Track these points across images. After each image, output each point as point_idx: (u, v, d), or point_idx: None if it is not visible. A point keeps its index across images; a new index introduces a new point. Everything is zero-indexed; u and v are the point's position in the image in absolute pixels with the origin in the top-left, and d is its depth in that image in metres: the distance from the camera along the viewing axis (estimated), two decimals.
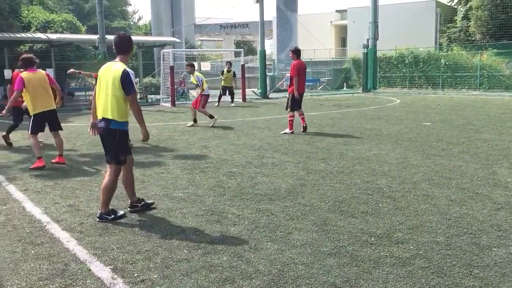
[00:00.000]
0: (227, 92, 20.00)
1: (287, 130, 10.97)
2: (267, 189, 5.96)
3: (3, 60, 22.95)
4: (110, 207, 4.97)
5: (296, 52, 11.20)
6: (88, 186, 6.29)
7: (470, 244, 4.08)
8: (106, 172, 5.10)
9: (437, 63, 28.06)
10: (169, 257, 3.88)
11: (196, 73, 13.09)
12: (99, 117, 4.99)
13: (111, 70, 4.89)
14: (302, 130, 10.99)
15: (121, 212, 5.03)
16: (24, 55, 8.12)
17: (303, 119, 11.21)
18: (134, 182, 5.34)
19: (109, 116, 4.88)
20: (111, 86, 4.85)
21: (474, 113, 14.98)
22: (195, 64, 21.91)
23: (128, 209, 5.23)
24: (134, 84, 4.97)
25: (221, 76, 20.53)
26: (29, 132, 7.82)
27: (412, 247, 4.03)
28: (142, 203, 5.26)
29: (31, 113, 7.78)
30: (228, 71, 20.06)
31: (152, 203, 5.36)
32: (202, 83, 12.68)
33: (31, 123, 7.79)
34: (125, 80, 4.82)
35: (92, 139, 10.46)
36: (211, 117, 12.37)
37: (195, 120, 12.56)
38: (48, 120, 7.96)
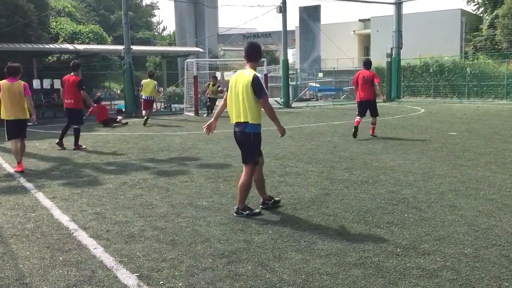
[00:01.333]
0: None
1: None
2: (290, 198, 5.95)
3: (32, 70, 23.55)
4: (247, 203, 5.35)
5: (363, 63, 12.26)
6: (114, 194, 6.38)
7: (499, 256, 4.00)
8: (242, 172, 5.44)
9: (463, 72, 27.67)
10: (194, 265, 3.91)
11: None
12: (233, 122, 5.38)
13: (243, 77, 5.24)
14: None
15: (256, 210, 5.35)
16: (10, 64, 8.47)
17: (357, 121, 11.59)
18: (264, 181, 5.63)
19: (244, 120, 5.23)
20: (244, 92, 5.17)
21: (501, 122, 14.69)
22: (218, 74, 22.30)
23: (261, 206, 5.53)
24: (264, 87, 5.29)
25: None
26: (7, 140, 8.43)
27: (439, 258, 3.97)
28: (272, 200, 5.61)
29: (2, 118, 8.32)
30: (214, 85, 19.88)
31: (279, 201, 5.71)
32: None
33: (5, 129, 8.35)
34: (255, 85, 5.12)
35: (118, 148, 10.64)
36: None
37: None
38: (18, 128, 8.34)
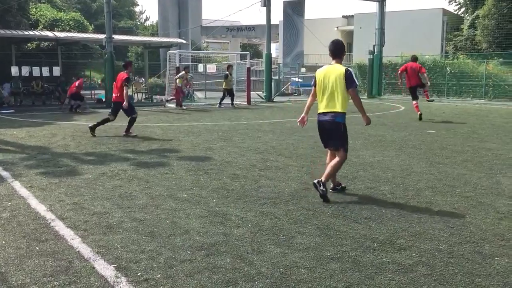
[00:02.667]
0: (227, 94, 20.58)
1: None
2: (270, 192, 5.98)
3: (11, 57, 23.09)
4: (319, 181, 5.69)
5: (412, 58, 15.27)
6: (92, 184, 6.33)
7: (473, 252, 4.09)
8: (327, 154, 6.15)
9: (443, 71, 28.03)
10: (172, 257, 3.91)
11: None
12: (322, 111, 5.84)
13: (334, 71, 5.73)
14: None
15: (339, 187, 6.06)
16: None
17: (417, 107, 14.82)
18: (338, 168, 5.97)
19: (336, 110, 5.72)
20: (338, 83, 5.67)
21: (479, 122, 14.96)
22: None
23: (330, 190, 5.94)
24: (357, 80, 5.84)
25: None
26: None
27: (415, 254, 4.04)
28: (340, 186, 6.12)
29: None
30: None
31: (345, 187, 6.17)
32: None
33: None
34: (348, 77, 5.65)
35: (98, 138, 10.53)
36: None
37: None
38: None
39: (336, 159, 5.84)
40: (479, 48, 32.17)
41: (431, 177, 6.91)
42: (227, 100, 20.55)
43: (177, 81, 19.38)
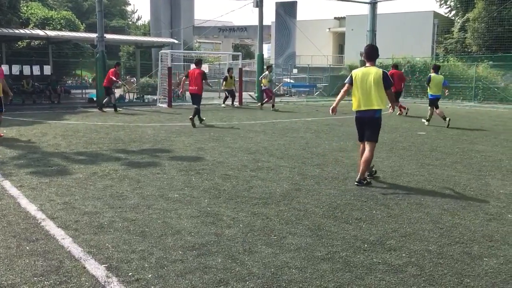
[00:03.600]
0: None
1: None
2: (262, 193, 5.99)
3: (1, 55, 22.89)
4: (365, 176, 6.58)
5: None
6: (83, 184, 6.30)
7: (462, 253, 4.13)
8: (362, 148, 6.74)
9: None
10: (163, 257, 3.91)
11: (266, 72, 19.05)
12: (359, 108, 6.55)
13: (372, 72, 6.48)
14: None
15: (368, 180, 6.61)
16: None
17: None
18: (370, 161, 6.63)
19: (376, 107, 6.45)
20: (375, 84, 6.41)
21: (469, 124, 15.10)
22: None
23: (355, 183, 6.51)
24: (391, 80, 6.65)
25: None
26: None
27: (405, 254, 4.08)
28: (366, 181, 6.59)
29: None
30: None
31: (370, 182, 6.61)
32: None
33: None
34: (386, 78, 6.45)
35: (89, 137, 10.49)
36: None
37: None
38: None
39: (366, 154, 6.54)
40: (469, 50, 32.44)
41: (421, 179, 6.97)
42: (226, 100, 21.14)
43: (263, 81, 19.70)
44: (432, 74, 14.41)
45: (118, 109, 17.64)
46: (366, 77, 6.48)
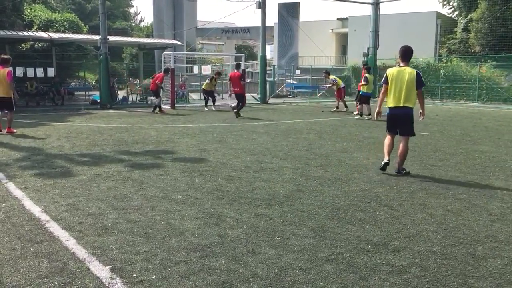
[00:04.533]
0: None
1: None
2: (265, 194, 6.00)
3: None
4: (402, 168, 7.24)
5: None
6: (87, 186, 6.32)
7: (466, 254, 4.13)
8: (400, 142, 7.30)
9: (436, 73, 28.19)
10: (167, 259, 3.92)
11: (331, 76, 18.90)
12: (393, 105, 7.12)
13: (406, 73, 7.02)
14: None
15: (408, 170, 7.25)
16: (3, 56, 11.91)
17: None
18: (407, 153, 7.28)
19: (408, 105, 7.03)
20: (409, 83, 6.95)
21: (472, 124, 15.06)
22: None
23: (395, 172, 7.20)
24: (423, 80, 7.16)
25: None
26: None
27: (408, 255, 4.07)
28: (405, 171, 7.23)
29: None
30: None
31: (409, 172, 7.25)
32: (336, 81, 18.31)
33: None
34: (419, 79, 6.99)
35: (92, 139, 10.52)
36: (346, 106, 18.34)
37: (337, 107, 19.05)
38: (2, 103, 11.71)
39: (402, 147, 7.18)
40: (472, 51, 32.37)
41: (425, 179, 6.96)
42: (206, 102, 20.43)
43: (337, 81, 19.65)
44: (367, 75, 16.26)
45: (156, 111, 17.66)
46: (401, 76, 7.03)
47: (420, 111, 7.39)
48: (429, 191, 6.26)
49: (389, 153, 7.35)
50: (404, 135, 7.25)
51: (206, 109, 19.72)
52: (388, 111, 7.33)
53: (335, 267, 3.80)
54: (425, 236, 4.56)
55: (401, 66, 7.15)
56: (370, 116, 15.79)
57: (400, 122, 7.22)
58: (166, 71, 19.06)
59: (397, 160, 7.27)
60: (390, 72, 7.20)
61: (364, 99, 16.37)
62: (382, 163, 7.31)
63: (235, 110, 16.18)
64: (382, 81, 7.37)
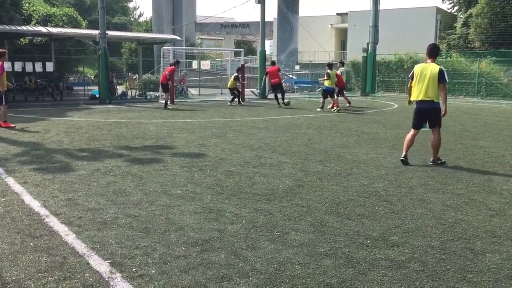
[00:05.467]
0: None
1: None
2: (265, 189, 6.00)
3: None
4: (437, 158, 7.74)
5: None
6: (86, 181, 6.32)
7: (465, 249, 4.14)
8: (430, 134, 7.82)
9: None
10: (167, 253, 3.92)
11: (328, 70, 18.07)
12: (418, 99, 7.55)
13: (430, 68, 7.48)
14: None
15: (443, 161, 7.76)
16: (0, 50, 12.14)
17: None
18: (440, 144, 7.75)
19: (433, 99, 7.45)
20: (432, 79, 7.39)
21: (471, 120, 15.07)
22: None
23: (430, 163, 7.70)
24: (446, 77, 7.50)
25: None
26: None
27: (407, 250, 4.08)
28: (440, 161, 7.71)
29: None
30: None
31: (445, 162, 7.75)
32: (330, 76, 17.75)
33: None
34: (441, 74, 7.39)
35: (91, 134, 10.51)
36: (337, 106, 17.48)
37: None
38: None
39: (435, 139, 7.68)
40: (472, 46, 32.31)
41: (424, 174, 6.96)
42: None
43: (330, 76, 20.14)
44: (329, 71, 17.39)
45: (168, 107, 17.77)
46: (425, 71, 7.49)
47: (443, 106, 7.60)
48: (428, 186, 6.27)
49: (407, 149, 7.72)
50: (434, 127, 7.68)
51: (232, 105, 19.91)
52: (415, 105, 7.76)
53: (334, 262, 3.81)
54: (424, 231, 4.57)
55: (427, 63, 7.61)
56: (338, 108, 17.17)
57: (428, 115, 7.63)
58: (177, 63, 19.47)
59: (431, 152, 7.80)
60: (416, 68, 7.68)
61: (327, 93, 17.56)
62: (402, 157, 7.71)
63: (284, 102, 18.80)
64: (409, 76, 7.84)
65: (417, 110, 7.71)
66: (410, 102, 7.95)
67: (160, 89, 21.52)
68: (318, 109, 17.46)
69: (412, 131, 7.79)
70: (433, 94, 7.42)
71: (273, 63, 20.65)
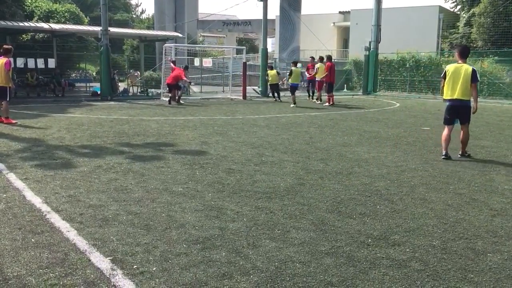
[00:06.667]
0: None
1: None
2: (266, 187, 6.00)
3: None
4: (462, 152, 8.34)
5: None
6: (88, 177, 6.32)
7: (466, 249, 4.13)
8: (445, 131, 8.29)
9: (438, 68, 28.08)
10: (168, 251, 3.92)
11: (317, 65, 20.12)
12: (451, 97, 8.03)
13: (463, 69, 7.92)
14: None
15: (469, 153, 8.36)
16: (5, 46, 12.03)
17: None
18: (468, 139, 8.32)
19: (464, 97, 7.95)
20: (465, 78, 7.84)
21: (473, 119, 14.90)
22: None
23: (459, 155, 8.27)
24: (478, 77, 7.98)
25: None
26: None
27: (409, 249, 4.08)
28: (467, 154, 8.33)
29: None
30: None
31: (469, 154, 8.34)
32: (317, 70, 19.83)
33: None
34: (474, 75, 7.84)
35: (93, 131, 10.51)
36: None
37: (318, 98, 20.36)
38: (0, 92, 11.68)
39: (464, 133, 8.18)
40: (474, 46, 32.23)
41: (425, 174, 6.96)
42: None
43: (318, 70, 20.62)
44: (293, 68, 19.18)
45: (172, 102, 18.60)
46: (458, 71, 7.93)
47: (474, 104, 8.05)
48: (430, 186, 6.26)
49: (447, 146, 8.17)
50: (464, 123, 8.18)
51: (278, 100, 20.92)
52: (447, 103, 8.22)
53: (335, 261, 3.81)
54: (425, 230, 4.57)
55: (459, 63, 8.02)
56: (295, 105, 18.29)
57: (460, 113, 8.11)
58: (186, 68, 20.75)
59: (460, 146, 8.35)
60: (449, 67, 8.12)
61: (293, 89, 18.94)
62: (443, 155, 8.18)
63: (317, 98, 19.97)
64: (441, 76, 8.29)
65: (450, 107, 8.16)
66: (444, 100, 8.36)
67: (162, 86, 21.56)
68: (292, 105, 18.21)
69: (446, 129, 8.25)
70: (466, 93, 7.89)
71: (329, 58, 19.98)
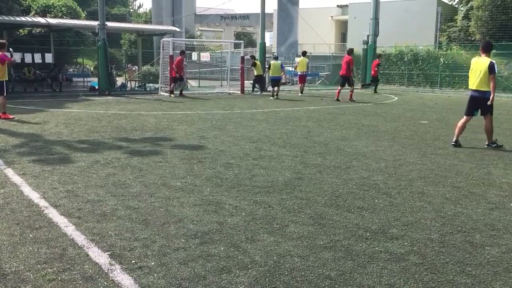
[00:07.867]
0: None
1: None
2: (264, 181, 6.00)
3: None
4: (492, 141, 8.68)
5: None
6: (86, 172, 6.31)
7: (464, 242, 4.14)
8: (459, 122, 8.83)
9: (436, 61, 28.08)
10: (166, 245, 3.92)
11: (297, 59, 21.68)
12: (474, 88, 8.56)
13: (483, 62, 8.41)
14: None
15: (499, 144, 8.67)
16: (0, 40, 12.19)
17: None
18: (493, 129, 8.70)
19: (485, 89, 8.38)
20: (485, 71, 8.31)
21: None
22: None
23: (485, 145, 8.65)
24: (496, 69, 8.47)
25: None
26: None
27: (407, 243, 4.08)
28: (494, 145, 8.62)
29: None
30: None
31: (501, 146, 8.68)
32: (297, 64, 21.07)
33: None
34: (491, 67, 8.28)
35: (91, 126, 10.49)
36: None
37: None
38: None
39: (487, 124, 8.60)
40: (472, 39, 32.18)
41: (424, 167, 6.96)
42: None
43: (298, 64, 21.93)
44: (272, 61, 19.98)
45: (172, 94, 19.27)
46: (479, 64, 8.48)
47: (491, 96, 8.33)
48: (428, 179, 6.27)
49: (459, 134, 8.68)
50: (486, 114, 8.54)
51: (257, 93, 21.90)
52: (470, 93, 8.73)
53: (334, 255, 3.81)
54: (423, 224, 4.58)
55: (481, 57, 8.56)
56: (276, 97, 19.12)
57: (480, 104, 8.52)
58: (182, 52, 20.19)
59: (486, 137, 8.74)
60: (472, 60, 8.77)
61: (274, 82, 19.67)
62: (453, 142, 8.67)
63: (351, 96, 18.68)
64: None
65: (471, 98, 8.68)
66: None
67: (160, 81, 21.53)
68: (271, 98, 18.96)
69: (464, 118, 8.71)
70: (485, 85, 8.34)
71: (350, 51, 19.90)
